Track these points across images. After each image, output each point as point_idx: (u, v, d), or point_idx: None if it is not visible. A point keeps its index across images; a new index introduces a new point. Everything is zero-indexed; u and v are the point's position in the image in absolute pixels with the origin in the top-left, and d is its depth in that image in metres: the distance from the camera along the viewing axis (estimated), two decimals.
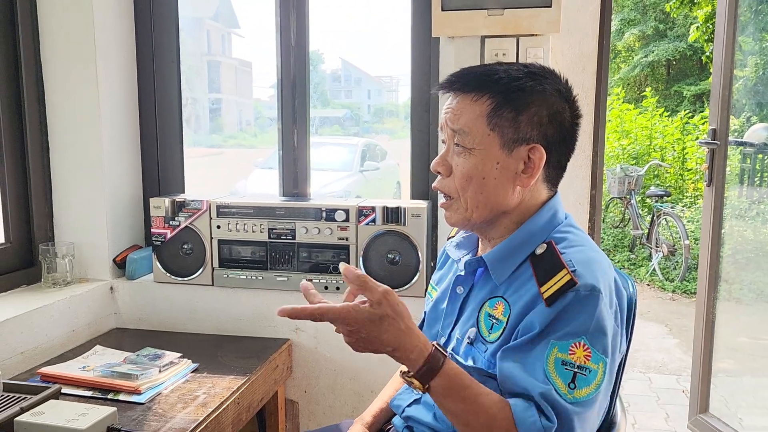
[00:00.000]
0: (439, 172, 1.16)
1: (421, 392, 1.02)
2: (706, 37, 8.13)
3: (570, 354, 0.98)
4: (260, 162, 7.28)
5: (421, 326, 1.32)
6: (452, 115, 1.12)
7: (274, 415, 2.02)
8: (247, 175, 6.79)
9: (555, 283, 1.01)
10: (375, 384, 1.98)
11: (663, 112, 9.00)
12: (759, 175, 3.12)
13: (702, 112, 9.50)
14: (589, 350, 0.98)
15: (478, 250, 1.26)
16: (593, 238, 1.85)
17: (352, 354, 1.96)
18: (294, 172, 2.17)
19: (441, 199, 1.19)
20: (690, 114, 9.04)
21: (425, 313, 1.32)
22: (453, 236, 1.38)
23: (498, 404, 0.99)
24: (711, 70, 8.65)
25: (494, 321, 1.09)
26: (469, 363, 1.10)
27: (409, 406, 1.24)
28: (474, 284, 1.19)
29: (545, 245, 1.09)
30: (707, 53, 8.33)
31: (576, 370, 0.98)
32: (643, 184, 7.40)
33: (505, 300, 1.09)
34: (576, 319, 0.99)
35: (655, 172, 8.11)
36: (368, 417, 1.39)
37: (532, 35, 1.69)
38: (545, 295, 1.02)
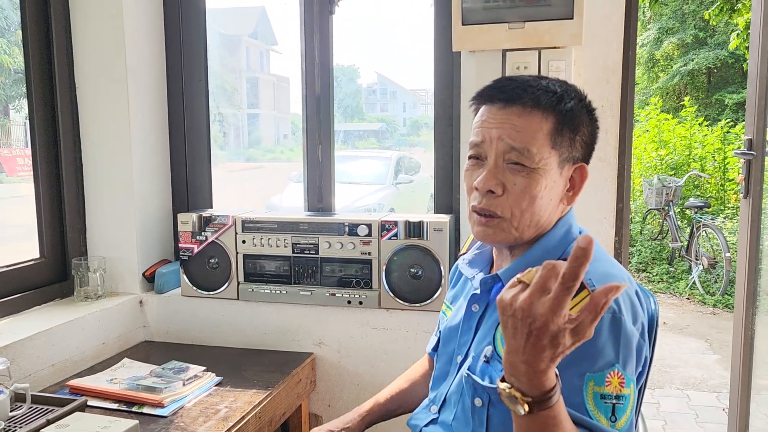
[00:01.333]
0: (491, 191, 1.08)
1: (519, 410, 0.84)
2: (747, 45, 7.92)
3: (607, 385, 0.96)
4: (295, 176, 7.36)
5: (436, 346, 1.31)
6: (512, 131, 1.06)
7: (298, 429, 2.02)
8: (282, 189, 6.87)
9: (576, 305, 0.99)
10: None
11: (703, 122, 8.79)
12: None
13: (743, 120, 9.26)
14: (622, 377, 0.96)
15: (492, 267, 1.24)
16: (621, 253, 1.81)
17: (375, 367, 1.98)
18: (319, 187, 2.18)
19: (477, 216, 1.12)
20: (731, 123, 8.80)
21: (440, 332, 1.30)
22: (465, 252, 1.36)
23: None
24: None
25: None
26: (486, 382, 1.08)
27: (426, 426, 1.23)
28: (490, 302, 1.16)
29: (562, 262, 1.06)
30: (748, 60, 8.12)
31: (614, 401, 0.96)
32: (682, 195, 7.23)
33: None
34: (605, 347, 0.96)
35: (695, 183, 7.91)
36: (365, 408, 1.43)
37: (554, 48, 1.67)
38: None
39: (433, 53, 2.02)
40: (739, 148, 7.71)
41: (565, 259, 1.06)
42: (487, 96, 1.11)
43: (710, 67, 14.14)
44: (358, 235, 1.93)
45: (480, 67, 1.75)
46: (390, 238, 1.90)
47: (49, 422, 1.41)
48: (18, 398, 1.51)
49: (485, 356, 1.10)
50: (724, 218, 7.16)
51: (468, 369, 1.13)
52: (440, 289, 1.88)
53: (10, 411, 1.47)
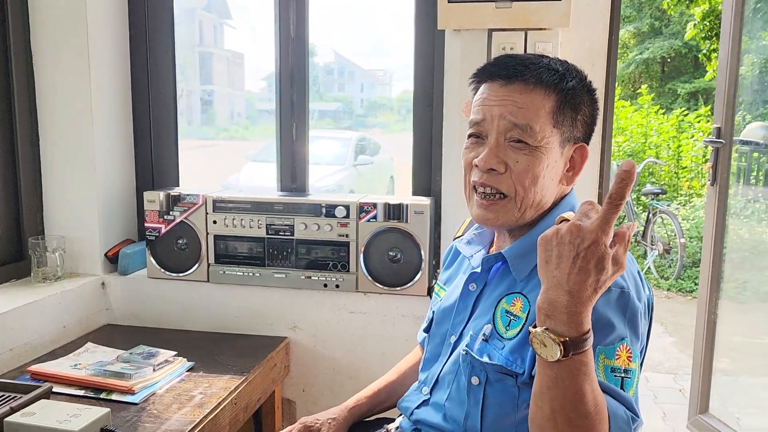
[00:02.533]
0: (492, 169, 1.06)
1: (554, 353, 0.83)
2: (703, 35, 8.10)
3: (616, 359, 0.95)
4: (252, 155, 7.22)
5: (429, 326, 1.28)
6: (514, 108, 1.04)
7: (270, 415, 1.97)
8: (239, 168, 6.72)
9: None
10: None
11: (658, 110, 8.99)
12: (755, 173, 3.09)
13: (696, 110, 9.50)
14: (630, 351, 0.96)
15: (491, 247, 1.22)
16: None
17: (352, 352, 1.94)
18: (292, 167, 2.11)
19: (479, 198, 1.09)
20: (685, 112, 9.03)
21: (433, 312, 1.28)
22: (460, 235, 1.34)
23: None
24: (707, 68, 8.64)
25: (512, 317, 1.06)
26: (485, 359, 1.06)
27: (417, 408, 1.21)
28: (488, 281, 1.15)
29: None
30: (704, 51, 8.31)
31: (623, 375, 0.95)
32: (638, 181, 7.39)
33: (524, 296, 1.06)
34: (615, 321, 0.96)
35: (650, 170, 8.09)
36: (351, 402, 1.40)
37: (541, 29, 1.64)
38: None
39: (414, 30, 1.96)
40: (693, 136, 7.91)
41: None
42: (488, 73, 1.10)
43: (664, 56, 14.46)
44: (336, 217, 1.88)
45: (465, 47, 1.70)
46: (369, 221, 1.86)
47: (12, 410, 1.32)
48: None
49: (484, 334, 1.09)
50: (678, 205, 7.36)
51: (466, 347, 1.11)
52: (420, 272, 1.84)
53: None
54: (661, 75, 15.14)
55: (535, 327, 0.87)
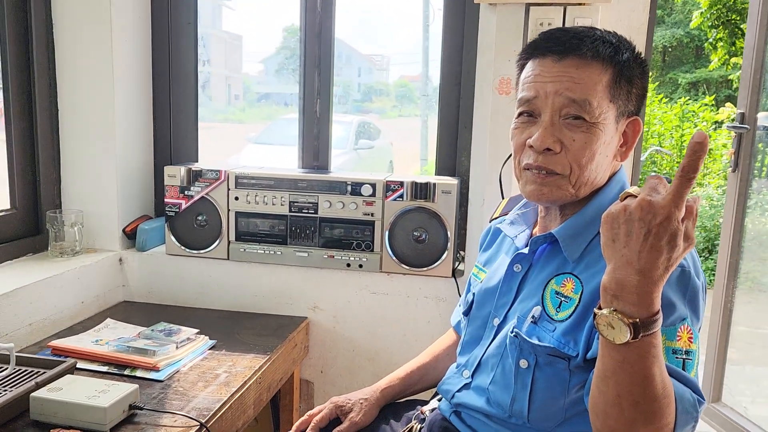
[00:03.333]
0: (548, 149, 1.02)
1: (623, 335, 0.80)
2: (710, 23, 8.06)
3: (677, 340, 0.92)
4: (254, 137, 7.16)
5: (468, 309, 1.25)
6: (571, 84, 1.01)
7: (289, 395, 1.95)
8: (239, 150, 6.67)
9: None
10: (394, 365, 1.88)
11: (662, 99, 8.95)
12: (758, 164, 3.08)
13: (697, 99, 9.47)
14: (691, 332, 0.93)
15: (534, 227, 1.19)
16: None
17: (372, 333, 1.91)
18: (315, 145, 2.07)
19: (531, 174, 1.06)
20: (688, 101, 9.01)
21: (474, 294, 1.24)
22: (498, 216, 1.30)
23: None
24: (711, 58, 8.59)
25: (563, 299, 1.03)
26: (535, 341, 1.03)
27: (459, 391, 1.18)
28: (533, 262, 1.12)
29: None
30: (710, 39, 8.26)
31: (684, 356, 0.92)
32: (641, 170, 7.37)
33: (576, 276, 1.03)
34: (676, 301, 0.92)
35: (653, 159, 8.07)
36: (384, 383, 1.38)
37: (581, 4, 1.60)
38: None
39: (443, 6, 1.92)
40: (696, 126, 7.88)
41: None
42: (541, 48, 1.06)
43: (666, 45, 14.40)
44: (361, 195, 1.84)
45: (501, 22, 1.66)
46: (395, 199, 1.82)
47: (38, 385, 1.29)
48: (0, 359, 1.39)
49: (533, 316, 1.06)
50: None
51: (514, 328, 1.08)
52: (445, 253, 1.81)
53: None
54: (662, 64, 15.09)
55: (600, 308, 0.84)
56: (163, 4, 2.05)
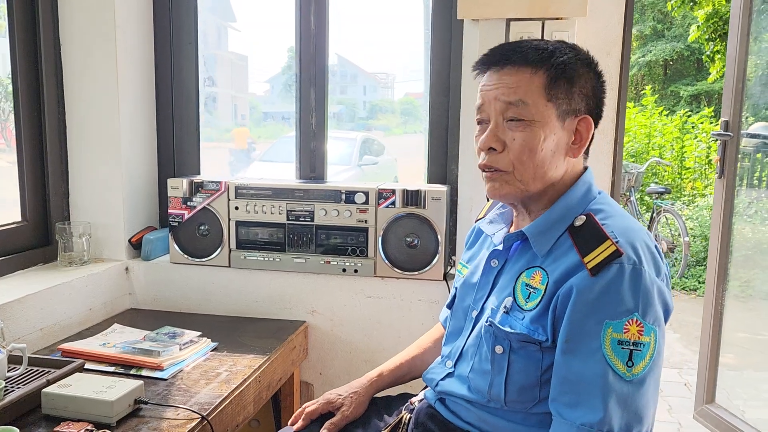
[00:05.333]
0: (492, 149, 1.13)
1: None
2: (707, 36, 8.16)
3: (625, 332, 1.00)
4: (258, 155, 7.26)
5: (451, 302, 1.34)
6: (506, 89, 1.12)
7: (289, 397, 2.02)
8: (245, 168, 6.77)
9: (600, 253, 1.04)
10: None
11: (662, 111, 9.04)
12: (758, 174, 3.14)
13: (699, 111, 9.55)
14: (641, 325, 1.00)
15: (511, 226, 1.27)
16: None
17: (368, 336, 1.99)
18: (311, 156, 2.16)
19: (484, 173, 1.17)
20: (688, 113, 9.09)
21: (456, 288, 1.33)
22: (482, 216, 1.39)
23: None
24: (710, 70, 8.68)
25: (531, 290, 1.11)
26: (507, 329, 1.12)
27: (442, 380, 1.25)
28: (509, 257, 1.21)
29: (584, 217, 1.11)
30: (707, 52, 8.37)
31: (632, 347, 1.00)
32: (642, 181, 7.43)
33: (543, 269, 1.11)
34: (625, 296, 1.01)
35: (654, 170, 8.14)
36: (374, 374, 1.44)
37: (559, 18, 1.69)
38: (590, 265, 1.03)
39: (430, 22, 2.02)
40: (696, 137, 7.95)
41: (588, 215, 1.10)
42: (483, 63, 1.18)
43: (667, 59, 14.53)
44: (355, 203, 1.93)
45: (484, 36, 1.75)
46: (387, 206, 1.91)
47: (49, 382, 1.37)
48: (13, 359, 1.47)
49: (505, 307, 1.14)
50: (682, 204, 7.40)
51: (489, 318, 1.16)
52: (437, 257, 1.89)
53: (7, 372, 1.42)
54: (663, 77, 15.20)
55: None
56: (166, 25, 2.16)
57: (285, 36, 2.17)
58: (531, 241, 1.15)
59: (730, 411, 2.69)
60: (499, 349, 1.13)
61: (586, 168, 1.21)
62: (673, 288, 5.70)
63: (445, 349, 1.30)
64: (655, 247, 1.10)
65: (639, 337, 1.00)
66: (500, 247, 1.21)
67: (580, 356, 1.02)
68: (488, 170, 1.16)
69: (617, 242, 1.03)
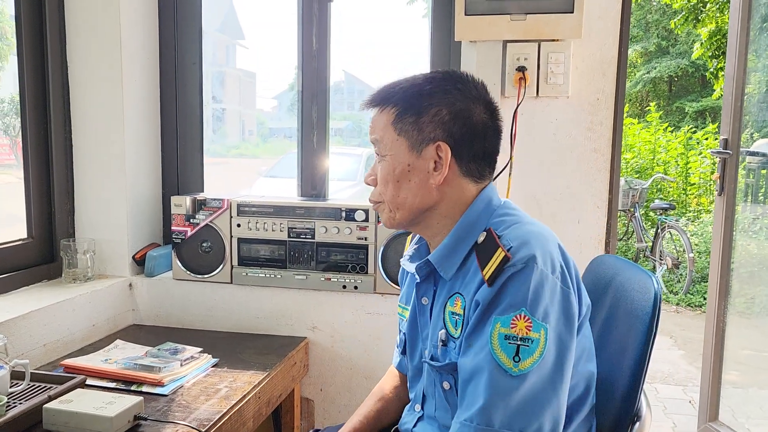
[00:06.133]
0: (370, 183, 1.24)
1: None
2: (710, 54, 8.20)
3: (512, 327, 1.01)
4: (265, 171, 7.32)
5: (403, 347, 1.35)
6: (371, 128, 1.22)
7: (290, 413, 2.03)
8: (251, 184, 6.82)
9: (493, 263, 1.06)
10: None
11: (667, 127, 9.06)
12: (762, 190, 3.15)
13: (704, 127, 9.56)
14: (529, 320, 1.01)
15: None
16: (610, 241, 1.87)
17: (369, 352, 2.00)
18: (312, 175, 2.19)
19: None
20: (693, 129, 9.10)
21: (404, 334, 1.34)
22: (405, 252, 1.38)
23: None
24: (714, 87, 8.70)
25: (456, 317, 1.13)
26: (447, 362, 1.13)
27: (415, 426, 1.26)
28: (436, 291, 1.21)
29: (485, 233, 1.12)
30: (711, 69, 8.41)
31: (519, 342, 1.00)
32: (647, 197, 7.44)
33: (461, 294, 1.13)
34: (514, 292, 1.02)
35: (658, 186, 8.14)
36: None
37: (554, 40, 1.72)
38: (486, 276, 1.06)
39: (429, 43, 2.05)
40: (701, 153, 7.96)
41: (488, 230, 1.11)
42: (365, 103, 1.24)
43: (671, 75, 14.57)
44: (355, 220, 1.95)
45: (481, 58, 1.79)
46: None
47: (50, 398, 1.39)
48: (16, 375, 1.49)
49: (441, 340, 1.15)
50: (687, 221, 7.39)
51: (431, 357, 1.18)
52: None
53: (9, 387, 1.44)
54: (668, 94, 15.24)
55: None
56: (170, 46, 2.20)
57: (292, 53, 2.20)
58: (436, 267, 1.17)
59: (734, 429, 2.68)
60: (446, 385, 1.14)
61: (485, 185, 1.21)
62: (677, 304, 5.72)
63: (411, 394, 1.32)
64: (558, 246, 1.10)
65: (527, 333, 1.00)
66: (418, 279, 1.23)
67: (471, 354, 1.04)
68: (372, 203, 1.26)
69: (509, 249, 1.05)
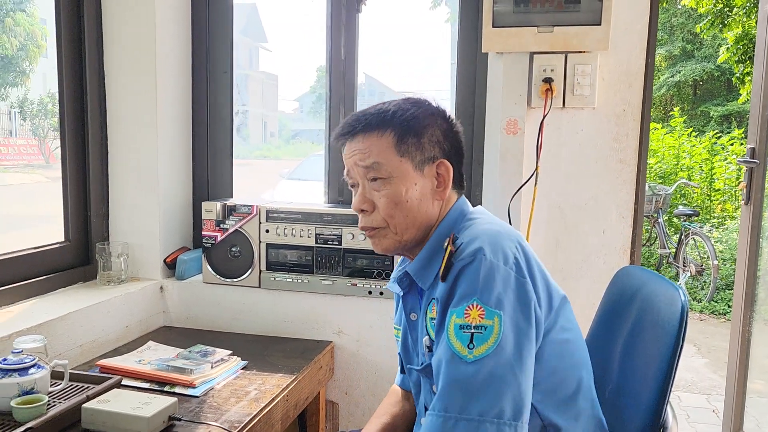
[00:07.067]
0: (363, 210, 1.23)
1: None
2: (737, 58, 8.10)
3: (466, 317, 1.04)
4: (287, 173, 7.38)
5: (402, 367, 1.39)
6: (361, 155, 1.21)
7: (315, 416, 2.07)
8: (273, 186, 6.89)
9: (444, 260, 1.12)
10: None
11: (691, 132, 8.96)
12: None
13: (729, 132, 9.45)
14: (482, 309, 1.04)
15: None
16: (635, 251, 1.88)
17: (392, 357, 2.03)
18: (339, 181, 2.23)
19: (365, 233, 1.26)
20: (718, 134, 9.00)
21: (400, 355, 1.37)
22: (392, 276, 1.41)
23: None
24: (740, 92, 8.57)
25: (434, 321, 1.16)
26: (428, 363, 1.17)
27: None
28: (421, 304, 1.25)
29: (448, 238, 1.17)
30: (737, 74, 8.30)
31: (473, 330, 1.03)
32: (670, 203, 7.38)
33: (436, 299, 1.16)
34: (465, 284, 1.06)
35: (682, 192, 8.06)
36: None
37: (581, 52, 1.74)
38: (440, 274, 1.11)
39: (456, 54, 2.08)
40: (726, 159, 7.86)
41: (450, 236, 1.15)
42: (337, 136, 1.26)
43: (696, 79, 14.40)
44: None
45: (508, 69, 1.81)
46: None
47: (88, 398, 1.45)
48: (55, 375, 1.55)
49: (427, 347, 1.19)
50: (711, 227, 7.31)
51: (422, 366, 1.22)
52: None
53: (50, 387, 1.50)
54: (693, 98, 15.06)
55: None
56: (202, 56, 2.26)
57: (314, 55, 2.25)
58: (414, 277, 1.22)
59: None
60: (435, 389, 1.15)
61: (459, 197, 1.27)
62: (701, 312, 5.67)
63: (418, 408, 1.35)
64: (519, 242, 1.13)
65: (480, 321, 1.03)
66: (401, 293, 1.28)
67: (437, 351, 1.09)
68: (366, 230, 1.25)
69: (459, 246, 1.10)
